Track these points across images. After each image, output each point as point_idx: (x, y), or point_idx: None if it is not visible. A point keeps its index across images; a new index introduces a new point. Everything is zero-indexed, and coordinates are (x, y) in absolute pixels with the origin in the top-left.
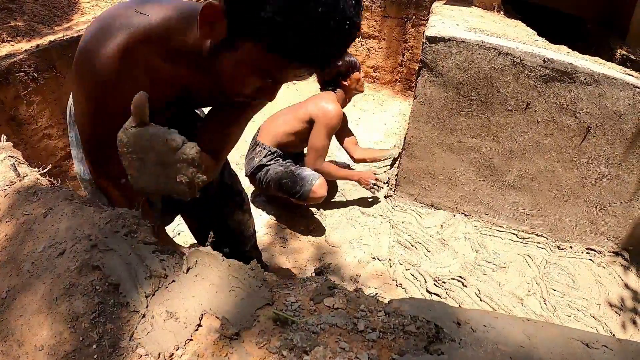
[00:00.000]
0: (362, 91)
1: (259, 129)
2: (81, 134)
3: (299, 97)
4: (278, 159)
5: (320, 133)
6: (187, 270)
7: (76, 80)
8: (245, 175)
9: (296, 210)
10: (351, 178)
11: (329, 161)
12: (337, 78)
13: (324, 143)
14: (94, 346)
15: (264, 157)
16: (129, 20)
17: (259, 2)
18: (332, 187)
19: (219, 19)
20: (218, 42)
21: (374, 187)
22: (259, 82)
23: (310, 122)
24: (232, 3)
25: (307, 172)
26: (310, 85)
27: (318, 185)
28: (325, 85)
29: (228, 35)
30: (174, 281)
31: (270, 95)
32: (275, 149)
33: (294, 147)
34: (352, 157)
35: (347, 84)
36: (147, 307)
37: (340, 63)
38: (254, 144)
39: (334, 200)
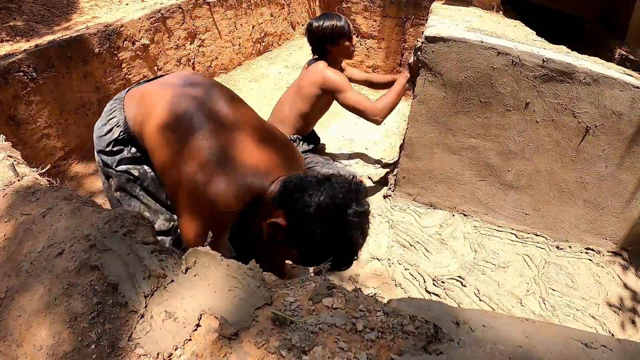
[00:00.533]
0: (349, 58)
1: (270, 116)
2: (187, 231)
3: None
4: (303, 145)
5: (344, 95)
6: (186, 270)
7: (192, 206)
8: None
9: None
10: (404, 83)
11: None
12: (324, 44)
13: (355, 97)
14: (93, 346)
15: None
16: (243, 193)
17: (310, 241)
18: None
19: (281, 233)
20: (273, 239)
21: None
22: (287, 259)
23: (318, 97)
24: (292, 231)
25: (343, 170)
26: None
27: None
28: (313, 51)
29: (283, 242)
30: (172, 281)
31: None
32: (295, 135)
33: (308, 127)
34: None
35: (332, 51)
36: (145, 307)
37: (325, 25)
38: None
39: None
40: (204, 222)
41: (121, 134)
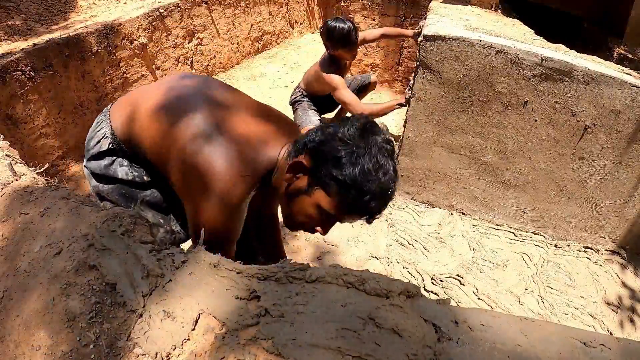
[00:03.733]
0: (350, 59)
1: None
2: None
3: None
4: (305, 99)
5: (339, 95)
6: (180, 266)
7: (202, 195)
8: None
9: None
10: (393, 106)
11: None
12: (329, 48)
13: (347, 98)
14: (91, 346)
15: (297, 95)
16: (253, 166)
17: (337, 167)
18: None
19: (304, 173)
20: (296, 189)
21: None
22: (317, 217)
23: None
24: (316, 165)
25: (306, 118)
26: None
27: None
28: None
29: (307, 187)
30: (170, 280)
31: (323, 230)
32: (305, 91)
33: (319, 92)
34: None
35: (337, 55)
36: (144, 306)
37: (330, 29)
38: (297, 85)
39: None
40: (216, 200)
41: (110, 145)
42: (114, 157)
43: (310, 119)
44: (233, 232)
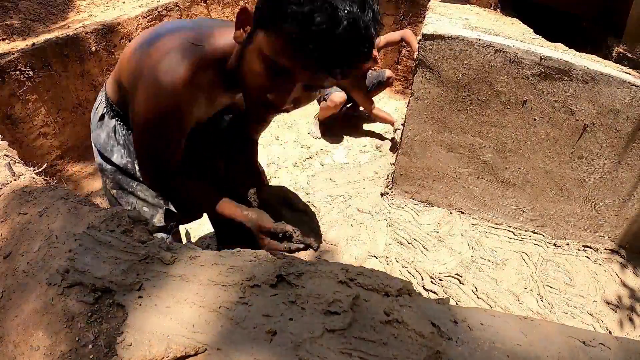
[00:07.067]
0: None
1: None
2: (141, 145)
3: None
4: None
5: None
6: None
7: (144, 100)
8: None
9: None
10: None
11: None
12: None
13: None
14: (90, 346)
15: None
16: (190, 52)
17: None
18: (329, 185)
19: (250, 23)
20: (242, 45)
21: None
22: (264, 74)
23: None
24: (258, 7)
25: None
26: None
27: (330, 98)
28: None
29: (250, 35)
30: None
31: (276, 98)
32: None
33: None
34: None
35: None
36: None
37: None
38: None
39: (330, 197)
40: (146, 82)
41: (104, 109)
42: (111, 120)
43: None
44: (171, 132)
